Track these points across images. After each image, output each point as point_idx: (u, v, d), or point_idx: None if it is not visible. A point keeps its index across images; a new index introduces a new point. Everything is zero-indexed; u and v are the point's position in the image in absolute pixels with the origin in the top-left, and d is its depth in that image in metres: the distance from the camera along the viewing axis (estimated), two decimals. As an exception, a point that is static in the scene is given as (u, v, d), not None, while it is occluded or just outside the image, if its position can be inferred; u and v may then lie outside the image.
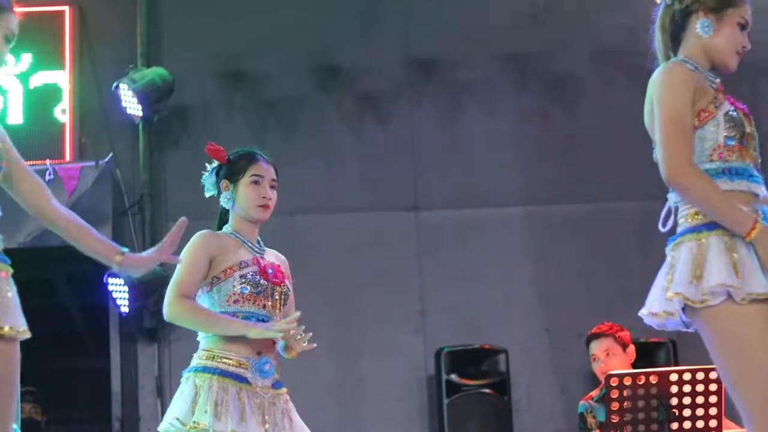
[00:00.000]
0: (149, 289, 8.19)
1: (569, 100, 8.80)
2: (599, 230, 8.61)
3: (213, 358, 4.26)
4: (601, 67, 8.77)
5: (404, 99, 8.83)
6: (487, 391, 8.00)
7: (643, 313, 3.63)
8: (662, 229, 3.67)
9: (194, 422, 4.17)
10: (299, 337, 4.30)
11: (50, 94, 8.57)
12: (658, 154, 3.55)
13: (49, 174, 7.95)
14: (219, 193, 4.53)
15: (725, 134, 3.58)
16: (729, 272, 3.41)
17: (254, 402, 4.24)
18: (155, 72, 8.43)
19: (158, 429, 4.34)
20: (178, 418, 4.19)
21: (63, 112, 8.56)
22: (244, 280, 4.32)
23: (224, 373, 4.23)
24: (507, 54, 8.84)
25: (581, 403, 6.28)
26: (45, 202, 3.61)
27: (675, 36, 3.73)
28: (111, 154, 8.42)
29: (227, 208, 4.49)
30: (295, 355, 4.34)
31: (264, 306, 4.34)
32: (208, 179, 4.55)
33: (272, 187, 4.48)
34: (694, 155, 3.53)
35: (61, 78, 8.60)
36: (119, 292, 8.06)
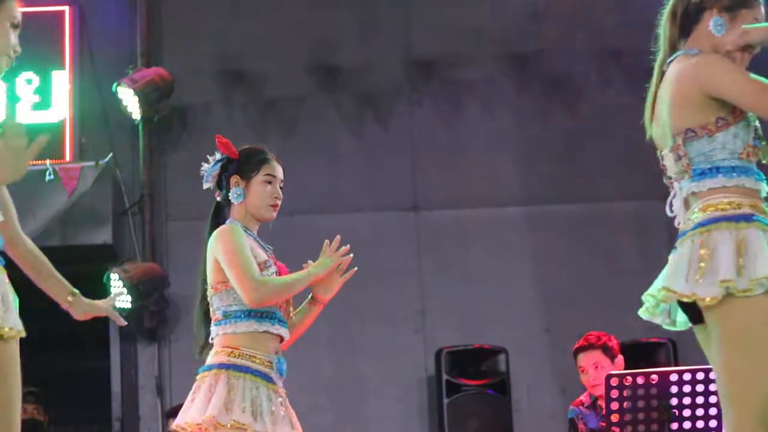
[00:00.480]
0: (149, 289, 8.20)
1: (569, 100, 8.81)
2: (599, 230, 8.61)
3: (241, 355, 4.22)
4: (601, 67, 8.78)
5: (404, 99, 8.84)
6: (487, 391, 8.00)
7: (655, 292, 3.58)
8: (670, 214, 3.66)
9: (234, 421, 4.10)
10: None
11: (50, 94, 8.57)
12: (749, 98, 3.51)
13: (49, 174, 7.95)
14: (221, 186, 4.48)
15: (753, 135, 3.59)
16: None
17: (278, 401, 4.24)
18: (155, 72, 8.44)
19: (180, 423, 4.19)
20: (213, 416, 4.09)
21: (63, 112, 8.55)
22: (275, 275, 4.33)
23: (255, 372, 4.21)
24: (507, 54, 8.85)
25: (571, 408, 6.26)
26: (17, 232, 3.64)
27: (685, 28, 3.71)
28: (111, 154, 8.42)
29: (235, 203, 4.44)
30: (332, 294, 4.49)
31: (280, 306, 4.35)
32: (210, 171, 4.48)
33: (281, 187, 4.48)
34: (722, 149, 3.55)
35: (61, 78, 8.60)
36: (119, 292, 8.05)
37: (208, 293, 4.36)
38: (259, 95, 8.81)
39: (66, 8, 8.71)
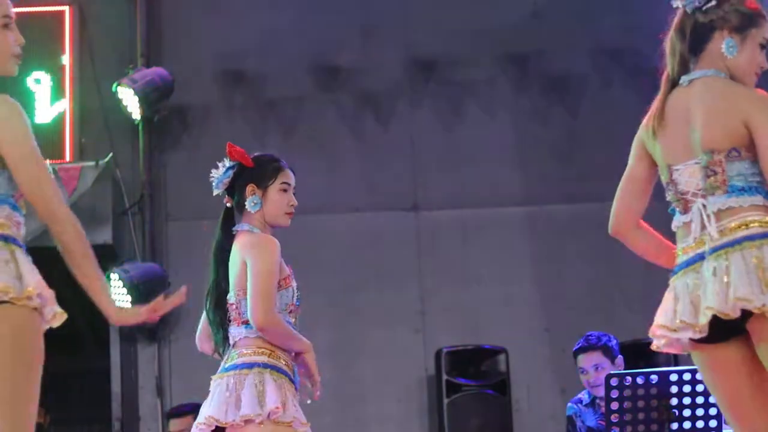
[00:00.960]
0: (149, 289, 8.19)
1: (569, 100, 8.81)
2: (599, 230, 8.53)
3: (271, 355, 4.25)
4: (601, 67, 8.78)
5: (404, 99, 8.84)
6: (487, 391, 8.01)
7: (709, 312, 3.52)
8: (675, 227, 3.67)
9: (295, 417, 4.14)
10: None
11: (50, 93, 8.57)
12: None
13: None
14: (232, 193, 4.48)
15: None
16: None
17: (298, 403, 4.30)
18: (155, 72, 8.44)
19: (233, 416, 4.17)
20: (278, 407, 4.10)
21: (63, 112, 8.56)
22: (297, 293, 4.36)
23: (285, 373, 4.24)
24: (507, 54, 8.85)
25: (569, 405, 6.26)
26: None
27: (694, 47, 3.70)
28: (111, 154, 8.42)
29: (252, 212, 4.44)
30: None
31: (296, 317, 4.40)
32: (221, 178, 4.45)
33: (294, 193, 4.50)
34: (752, 167, 3.57)
35: (62, 78, 8.60)
36: (119, 292, 8.06)
37: (231, 295, 4.35)
38: (259, 95, 8.81)
39: (66, 8, 8.72)
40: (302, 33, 8.81)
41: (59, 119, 8.55)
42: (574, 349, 6.20)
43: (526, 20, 8.85)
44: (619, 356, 6.15)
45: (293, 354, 4.34)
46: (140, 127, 8.61)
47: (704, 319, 3.50)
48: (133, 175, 8.64)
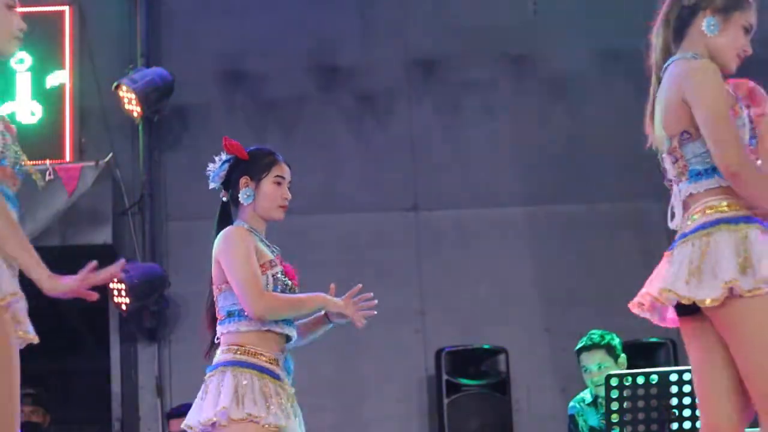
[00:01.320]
0: (149, 289, 8.20)
1: (569, 100, 8.81)
2: (599, 230, 8.61)
3: (248, 353, 4.23)
4: (601, 67, 8.78)
5: (404, 99, 8.84)
6: (487, 391, 8.00)
7: (658, 293, 3.59)
8: (671, 226, 3.67)
9: (248, 413, 4.10)
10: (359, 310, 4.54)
11: (50, 93, 8.58)
12: (712, 150, 3.52)
13: (49, 174, 7.95)
14: (227, 187, 4.48)
15: (749, 135, 3.60)
16: None
17: (285, 399, 4.24)
18: (155, 72, 8.44)
19: (197, 420, 4.17)
20: (225, 407, 4.08)
21: (63, 112, 8.56)
22: (276, 281, 4.31)
23: (263, 370, 4.21)
24: (507, 54, 8.85)
25: (571, 404, 6.26)
26: None
27: (678, 31, 3.73)
28: (111, 154, 8.42)
29: (245, 204, 4.44)
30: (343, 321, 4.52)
31: None
32: (217, 172, 4.47)
33: (289, 187, 4.50)
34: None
35: (61, 78, 8.60)
36: (119, 292, 8.06)
37: (214, 293, 4.37)
38: (259, 95, 8.81)
39: (66, 8, 8.72)
40: (302, 33, 8.81)
41: (59, 119, 8.55)
42: (577, 347, 6.20)
43: (526, 20, 8.84)
44: (622, 355, 6.16)
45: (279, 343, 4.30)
46: (140, 127, 8.61)
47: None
48: (133, 175, 8.64)
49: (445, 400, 7.94)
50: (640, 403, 5.24)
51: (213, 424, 4.13)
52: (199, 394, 4.25)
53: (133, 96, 8.30)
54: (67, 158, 8.44)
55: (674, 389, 5.21)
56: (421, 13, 8.87)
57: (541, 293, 8.54)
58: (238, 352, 4.23)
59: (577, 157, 8.72)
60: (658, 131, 3.71)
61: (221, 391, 4.15)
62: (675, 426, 5.25)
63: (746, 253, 3.45)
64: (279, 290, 4.30)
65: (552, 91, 8.81)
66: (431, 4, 8.90)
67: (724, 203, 3.55)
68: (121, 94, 8.34)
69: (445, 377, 7.99)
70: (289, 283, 4.36)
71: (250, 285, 4.20)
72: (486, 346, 8.15)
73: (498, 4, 8.87)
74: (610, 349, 6.11)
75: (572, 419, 6.22)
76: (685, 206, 3.63)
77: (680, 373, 5.24)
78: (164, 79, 8.42)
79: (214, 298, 4.36)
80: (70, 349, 10.69)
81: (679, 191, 3.65)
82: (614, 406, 5.24)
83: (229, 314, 4.29)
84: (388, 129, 8.80)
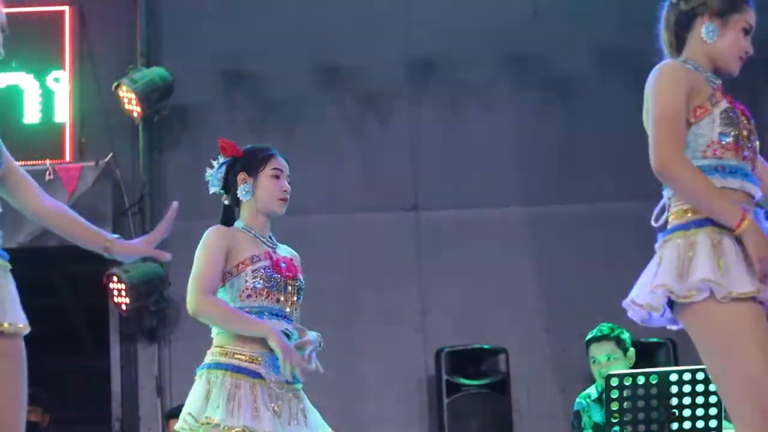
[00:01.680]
0: (149, 289, 8.20)
1: (569, 100, 8.81)
2: (599, 230, 8.61)
3: (226, 354, 4.23)
4: (601, 67, 8.78)
5: (404, 99, 8.84)
6: (487, 391, 8.00)
7: (626, 302, 3.61)
8: (654, 225, 3.67)
9: (206, 418, 4.11)
10: (305, 363, 4.38)
11: (50, 94, 8.58)
12: (650, 148, 3.54)
13: (49, 174, 7.95)
14: (228, 189, 4.48)
15: (719, 131, 3.57)
16: (713, 269, 3.40)
17: (267, 397, 4.23)
18: (155, 72, 8.44)
19: (175, 427, 4.26)
20: (190, 413, 4.12)
21: (63, 112, 8.56)
22: (256, 275, 4.29)
23: (237, 369, 4.21)
24: (507, 54, 8.85)
25: (577, 400, 6.27)
26: (40, 200, 3.65)
27: (679, 35, 3.73)
28: (111, 154, 8.43)
29: (244, 200, 4.43)
30: (288, 372, 4.28)
31: (277, 300, 4.33)
32: (215, 175, 4.47)
33: (289, 181, 4.50)
34: (685, 149, 3.54)
35: (61, 78, 8.60)
36: (119, 292, 8.06)
37: None
38: (259, 95, 8.81)
39: (66, 8, 8.72)
40: (302, 33, 8.81)
41: (59, 119, 8.55)
42: (587, 338, 6.24)
43: (526, 20, 8.85)
44: (632, 349, 6.20)
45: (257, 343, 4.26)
46: (140, 127, 8.61)
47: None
48: (133, 175, 8.64)
49: (445, 400, 7.94)
50: (640, 403, 5.24)
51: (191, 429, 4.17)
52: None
53: (133, 96, 8.30)
54: (67, 158, 8.45)
55: (674, 389, 5.21)
56: (421, 14, 8.87)
57: (541, 293, 8.54)
58: (217, 353, 4.26)
59: (577, 157, 8.72)
60: None
61: (194, 395, 4.20)
62: (675, 426, 5.25)
63: (687, 260, 3.46)
64: (260, 285, 4.29)
65: (552, 91, 8.81)
66: (431, 4, 8.90)
67: (683, 208, 3.56)
68: (121, 94, 8.34)
69: (445, 377, 7.99)
70: (277, 276, 4.34)
71: (194, 281, 4.25)
72: (486, 346, 8.15)
73: (498, 4, 8.87)
74: (619, 342, 6.17)
75: (576, 415, 6.23)
76: (670, 206, 3.64)
77: (680, 373, 5.25)
78: (164, 79, 8.42)
79: None
80: (69, 348, 10.70)
81: (664, 191, 3.67)
82: (614, 406, 5.24)
83: None
84: (388, 129, 8.80)
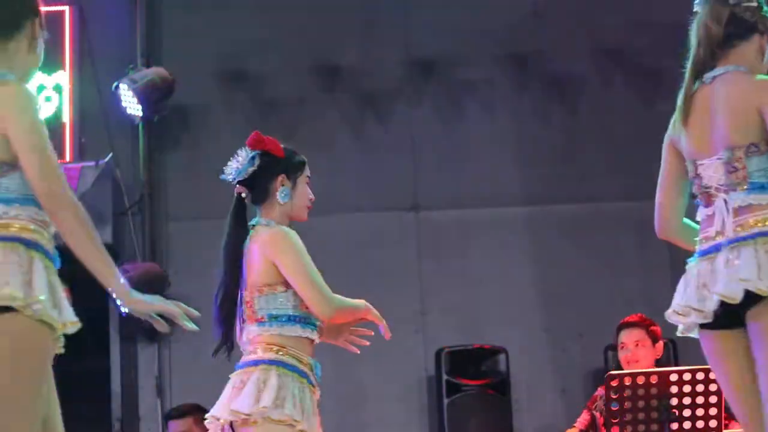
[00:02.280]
0: (149, 289, 8.17)
1: (569, 100, 8.80)
2: (599, 230, 8.61)
3: (289, 355, 4.22)
4: (601, 67, 8.77)
5: (404, 99, 8.84)
6: (487, 391, 8.01)
7: (716, 297, 3.59)
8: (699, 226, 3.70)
9: (288, 416, 4.09)
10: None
11: (50, 94, 8.58)
12: None
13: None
14: (252, 185, 4.39)
15: None
16: None
17: (315, 405, 4.27)
18: (155, 72, 8.43)
19: (219, 413, 4.16)
20: (267, 407, 4.06)
21: (63, 112, 8.56)
22: None
23: (302, 373, 4.21)
24: (507, 54, 8.85)
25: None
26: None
27: (730, 37, 3.71)
28: (111, 154, 8.42)
29: (281, 203, 4.39)
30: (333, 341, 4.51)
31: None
32: (245, 168, 4.37)
33: None
34: None
35: (61, 78, 8.60)
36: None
37: (246, 293, 4.30)
38: (259, 95, 8.80)
39: (66, 8, 8.72)
40: (302, 33, 8.80)
41: (59, 119, 8.55)
42: (618, 324, 6.26)
43: (526, 20, 8.85)
44: (660, 341, 6.20)
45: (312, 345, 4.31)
46: (140, 127, 8.60)
47: (711, 305, 3.59)
48: (133, 175, 8.63)
49: (445, 400, 7.94)
50: (640, 403, 5.25)
51: (245, 419, 4.10)
52: (231, 386, 4.21)
53: (133, 96, 8.30)
54: (67, 158, 8.44)
55: (674, 389, 5.22)
56: (421, 13, 8.87)
57: (541, 293, 8.54)
58: (281, 353, 4.22)
59: (578, 156, 8.72)
60: (702, 137, 3.70)
61: (263, 388, 4.13)
62: (675, 426, 5.26)
63: None
64: None
65: (552, 91, 8.81)
66: (431, 4, 8.89)
67: None
68: (121, 94, 8.34)
69: (445, 377, 7.99)
70: None
71: (322, 287, 4.25)
72: (486, 346, 8.15)
73: (498, 4, 8.87)
74: (649, 331, 6.17)
75: (593, 400, 6.28)
76: (737, 214, 3.62)
77: (680, 373, 5.26)
78: (164, 79, 8.42)
79: (251, 299, 4.29)
80: (69, 348, 10.68)
81: (728, 199, 3.64)
82: (614, 406, 5.25)
83: (272, 317, 4.26)
84: (388, 129, 8.80)
